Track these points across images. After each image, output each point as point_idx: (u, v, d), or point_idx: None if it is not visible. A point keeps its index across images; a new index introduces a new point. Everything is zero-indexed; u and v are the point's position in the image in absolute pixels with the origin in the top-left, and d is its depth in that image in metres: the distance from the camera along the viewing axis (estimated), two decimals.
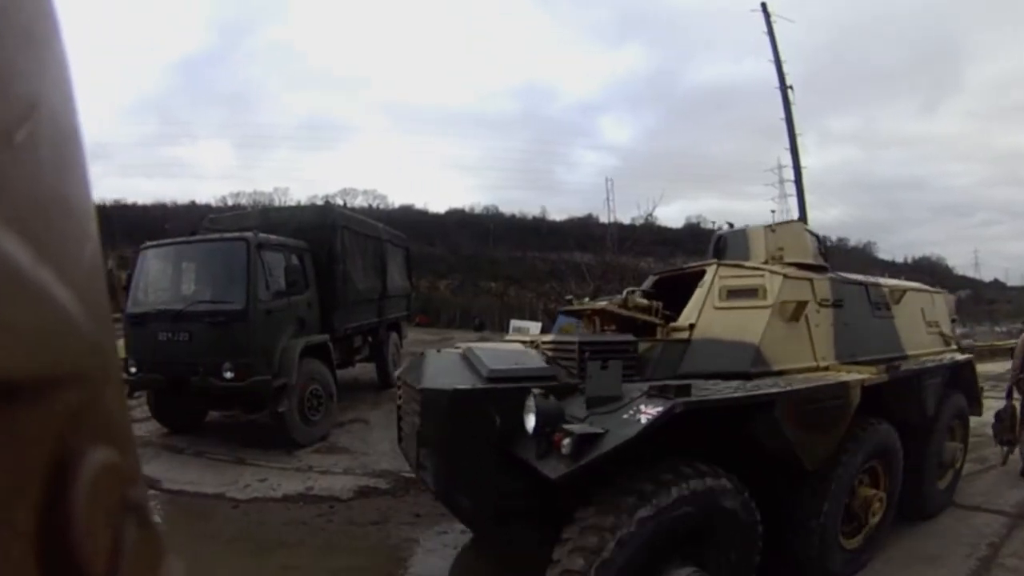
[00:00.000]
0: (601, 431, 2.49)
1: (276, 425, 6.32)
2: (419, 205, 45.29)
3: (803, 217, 16.70)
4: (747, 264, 4.05)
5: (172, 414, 6.93)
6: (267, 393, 6.09)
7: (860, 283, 4.44)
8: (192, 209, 33.56)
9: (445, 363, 3.61)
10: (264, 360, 6.08)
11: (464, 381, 3.06)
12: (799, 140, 18.21)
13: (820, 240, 4.86)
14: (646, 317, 3.92)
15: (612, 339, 3.56)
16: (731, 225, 5.09)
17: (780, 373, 3.47)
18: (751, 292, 3.77)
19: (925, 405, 3.96)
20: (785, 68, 18.70)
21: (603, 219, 34.12)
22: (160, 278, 6.74)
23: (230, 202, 38.35)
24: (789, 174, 19.41)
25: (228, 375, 5.87)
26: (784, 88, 18.84)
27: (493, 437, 2.87)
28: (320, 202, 17.16)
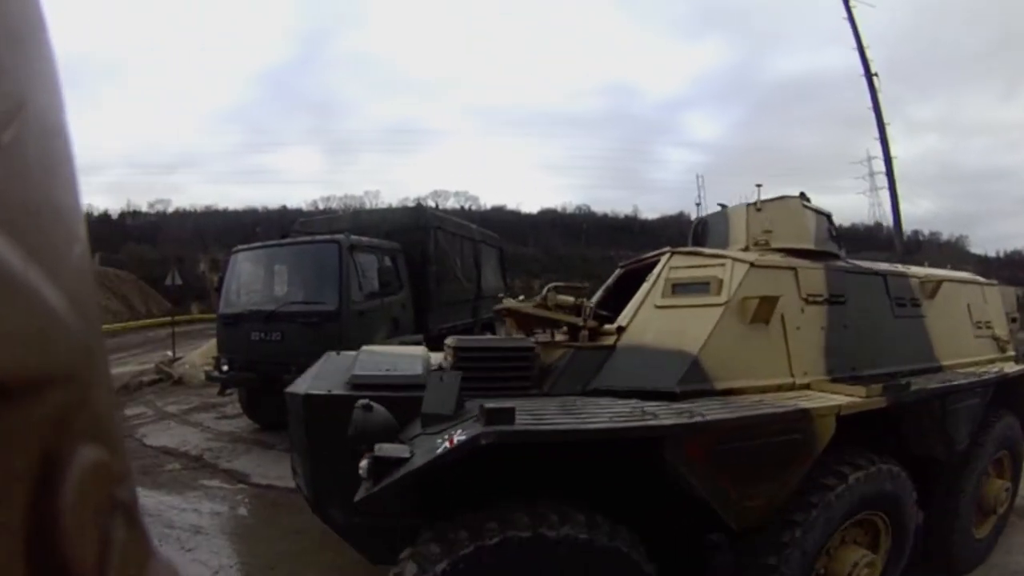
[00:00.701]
0: (407, 455, 2.09)
1: None
2: (511, 205, 45.11)
3: (896, 211, 15.26)
4: (706, 251, 3.23)
5: (264, 411, 7.03)
6: None
7: (875, 273, 3.45)
8: (284, 213, 34.13)
9: (333, 365, 3.30)
10: None
11: (329, 385, 2.83)
12: (887, 130, 16.58)
13: (831, 220, 3.87)
14: (567, 318, 3.22)
15: (498, 344, 2.96)
16: (724, 207, 4.21)
17: (728, 392, 2.67)
18: (701, 286, 2.97)
19: (953, 435, 2.94)
20: (868, 55, 17.13)
21: (695, 217, 34.51)
22: (252, 280, 6.89)
23: (321, 206, 39.05)
24: (879, 166, 17.79)
25: None
26: (869, 75, 17.42)
27: (351, 446, 2.52)
28: (411, 204, 17.37)
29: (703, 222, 4.06)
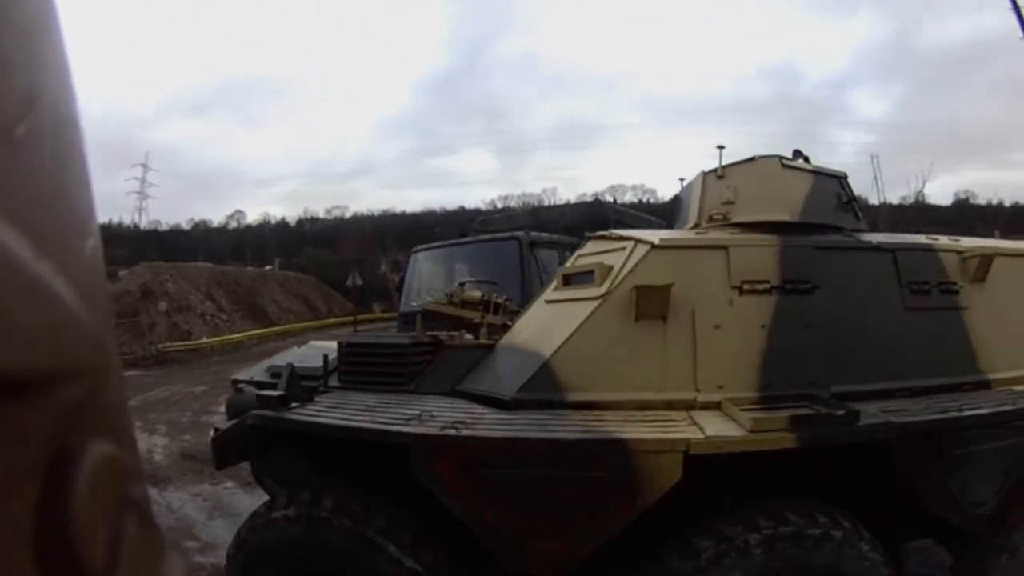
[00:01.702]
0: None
1: None
2: None
3: None
4: (617, 233, 2.67)
5: None
6: None
7: (876, 248, 2.49)
8: (461, 214, 36.05)
9: (284, 357, 3.59)
10: None
11: (259, 371, 3.28)
12: None
13: (844, 183, 2.90)
14: (468, 313, 2.93)
15: (374, 341, 2.89)
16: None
17: (586, 406, 2.15)
18: (587, 276, 2.45)
19: (962, 492, 1.95)
20: None
21: (872, 200, 30.92)
22: (432, 279, 7.24)
23: (499, 205, 40.38)
24: None
25: None
26: None
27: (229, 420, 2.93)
28: (589, 199, 17.49)
29: (676, 199, 3.37)
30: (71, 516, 0.23)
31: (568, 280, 2.55)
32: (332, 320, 24.00)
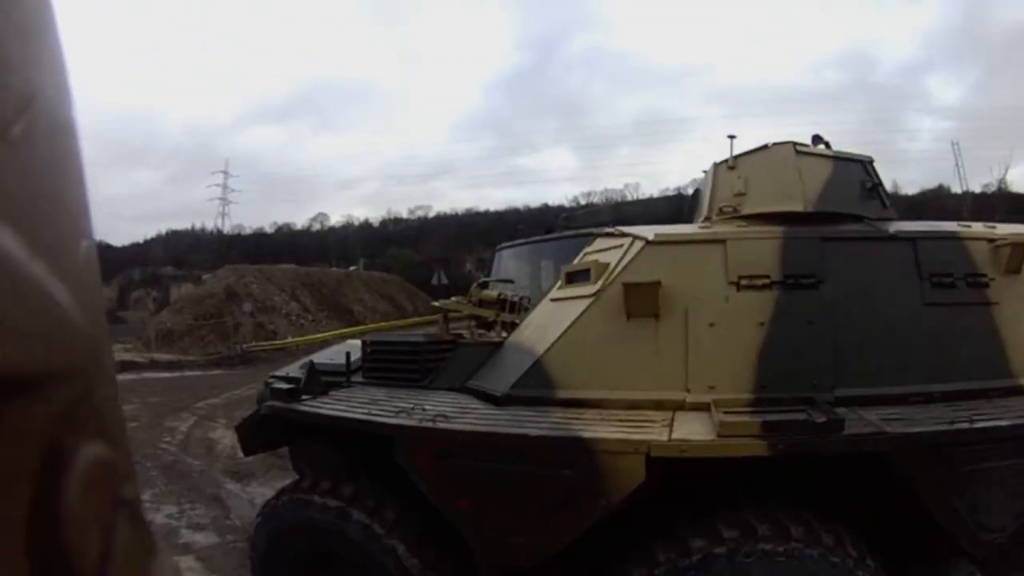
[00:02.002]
0: None
1: None
2: None
3: None
4: (621, 230, 2.68)
5: None
6: None
7: (892, 237, 2.35)
8: (545, 211, 35.76)
9: (319, 355, 3.83)
10: None
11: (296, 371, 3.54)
12: None
13: (869, 169, 2.73)
14: (483, 312, 3.07)
15: (391, 339, 3.03)
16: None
17: (575, 403, 2.20)
18: (584, 274, 2.51)
19: (972, 513, 1.81)
20: None
21: (954, 189, 31.20)
22: (517, 275, 6.96)
23: (582, 201, 39.56)
24: None
25: None
26: None
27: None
28: (671, 193, 17.03)
29: (696, 193, 3.33)
30: (64, 517, 0.23)
31: (570, 278, 2.62)
32: (417, 319, 24.12)
